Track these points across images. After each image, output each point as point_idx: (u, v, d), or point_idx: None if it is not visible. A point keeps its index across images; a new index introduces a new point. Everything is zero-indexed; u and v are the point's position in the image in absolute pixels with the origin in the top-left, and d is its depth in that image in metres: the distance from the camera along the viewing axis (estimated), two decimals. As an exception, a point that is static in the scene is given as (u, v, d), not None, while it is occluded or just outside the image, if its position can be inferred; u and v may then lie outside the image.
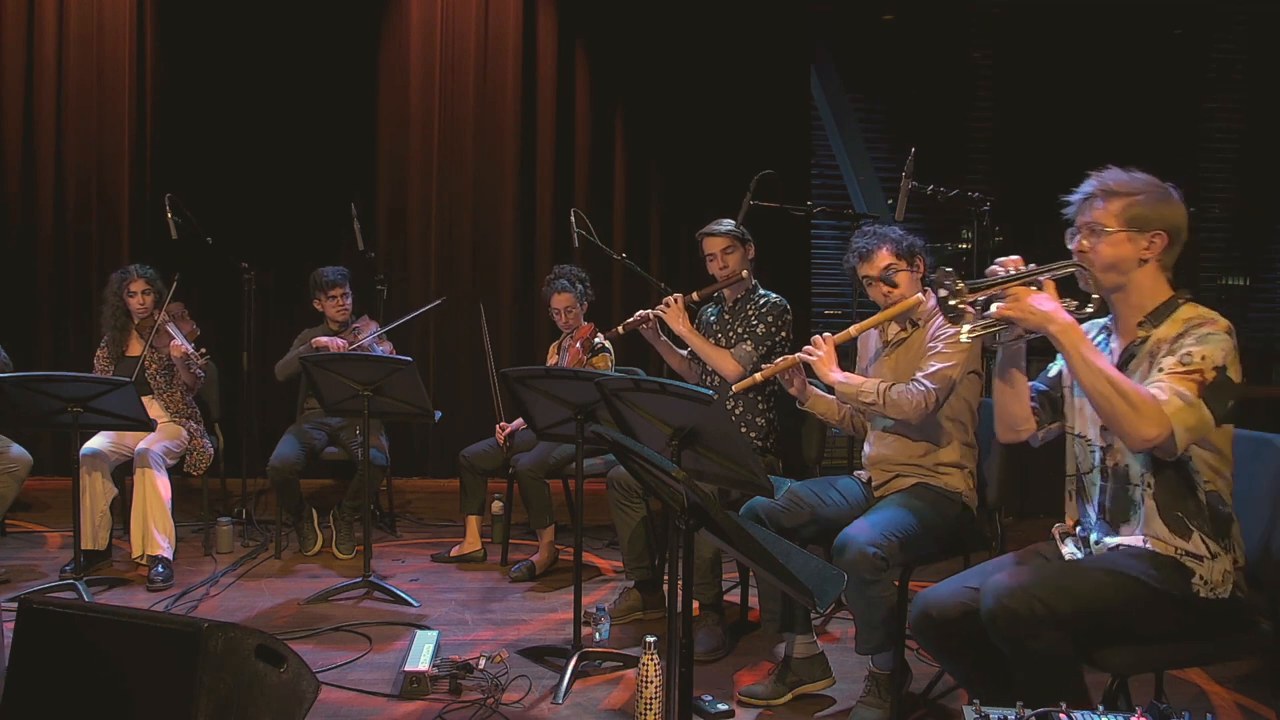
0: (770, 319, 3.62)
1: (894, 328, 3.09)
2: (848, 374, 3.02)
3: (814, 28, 6.38)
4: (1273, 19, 6.54)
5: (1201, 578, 2.09)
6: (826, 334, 3.01)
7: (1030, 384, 2.35)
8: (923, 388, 2.87)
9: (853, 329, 3.02)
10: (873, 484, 3.08)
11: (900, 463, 3.01)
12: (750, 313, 3.67)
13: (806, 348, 3.01)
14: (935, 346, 2.92)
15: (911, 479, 2.98)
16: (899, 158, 4.56)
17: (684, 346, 3.79)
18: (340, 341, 4.58)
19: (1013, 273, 2.14)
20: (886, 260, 3.00)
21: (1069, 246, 2.21)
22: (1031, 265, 2.16)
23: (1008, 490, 3.01)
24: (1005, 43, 6.58)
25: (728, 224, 3.73)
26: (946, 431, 2.96)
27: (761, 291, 3.73)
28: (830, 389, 3.09)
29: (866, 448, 3.14)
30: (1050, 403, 2.36)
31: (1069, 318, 2.08)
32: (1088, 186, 2.19)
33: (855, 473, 3.21)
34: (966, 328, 2.20)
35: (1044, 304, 2.09)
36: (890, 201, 5.63)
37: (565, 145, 6.20)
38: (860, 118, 6.58)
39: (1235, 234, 6.86)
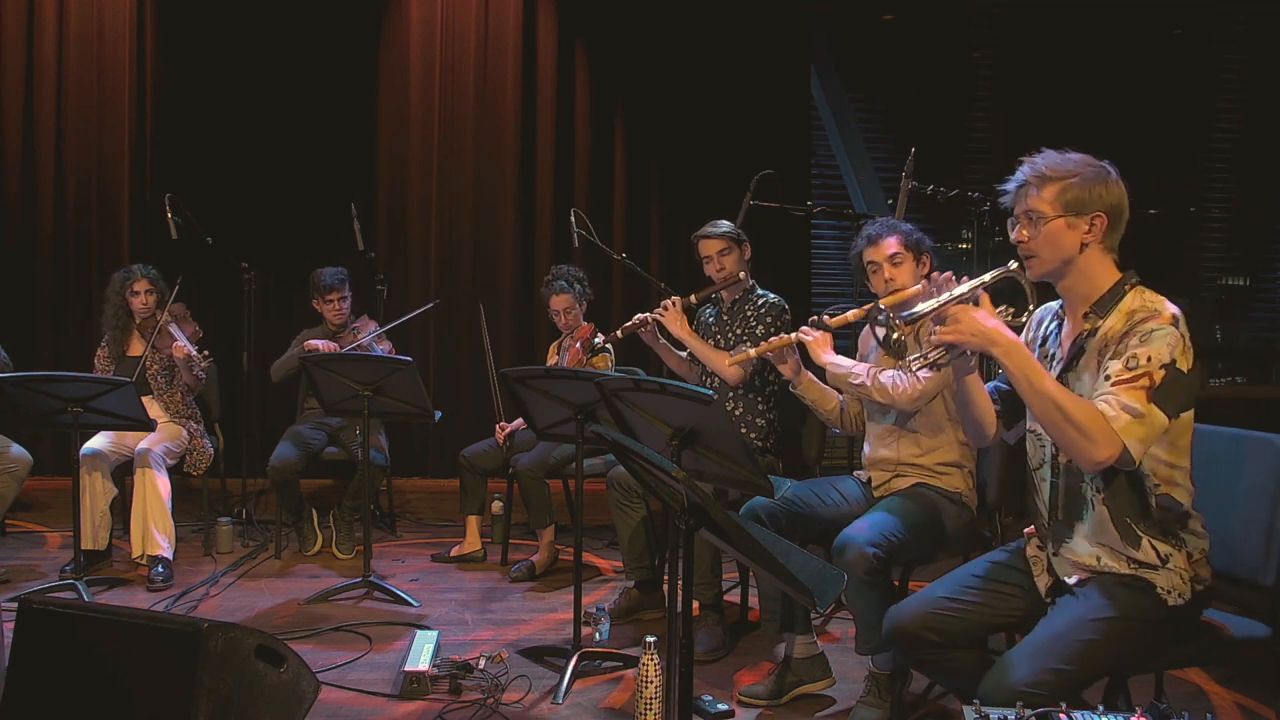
0: (769, 320, 3.62)
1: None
2: (841, 357, 3.04)
3: (814, 28, 6.39)
4: (1273, 19, 6.54)
5: (1163, 588, 2.05)
6: (825, 315, 3.04)
7: (990, 385, 2.31)
8: (913, 377, 2.87)
9: (850, 314, 3.03)
10: (872, 484, 3.08)
11: (900, 463, 3.01)
12: (749, 313, 3.67)
13: (803, 328, 3.05)
14: (931, 340, 2.93)
15: (911, 479, 2.98)
16: (899, 158, 4.56)
17: (683, 348, 3.79)
18: (331, 344, 4.58)
19: (948, 294, 2.09)
20: (893, 249, 3.01)
21: (1010, 237, 2.15)
22: (965, 278, 2.11)
23: (1007, 490, 3.01)
24: (1005, 42, 6.58)
25: (723, 225, 3.71)
26: (946, 432, 2.96)
27: (759, 291, 3.72)
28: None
29: (866, 448, 3.14)
30: (1013, 400, 2.28)
31: (1012, 337, 2.02)
32: (1021, 174, 2.13)
33: (855, 473, 3.21)
34: (914, 361, 2.17)
35: (985, 322, 2.02)
36: (890, 201, 5.63)
37: (565, 145, 6.20)
38: (860, 118, 6.58)
39: (1235, 234, 6.86)
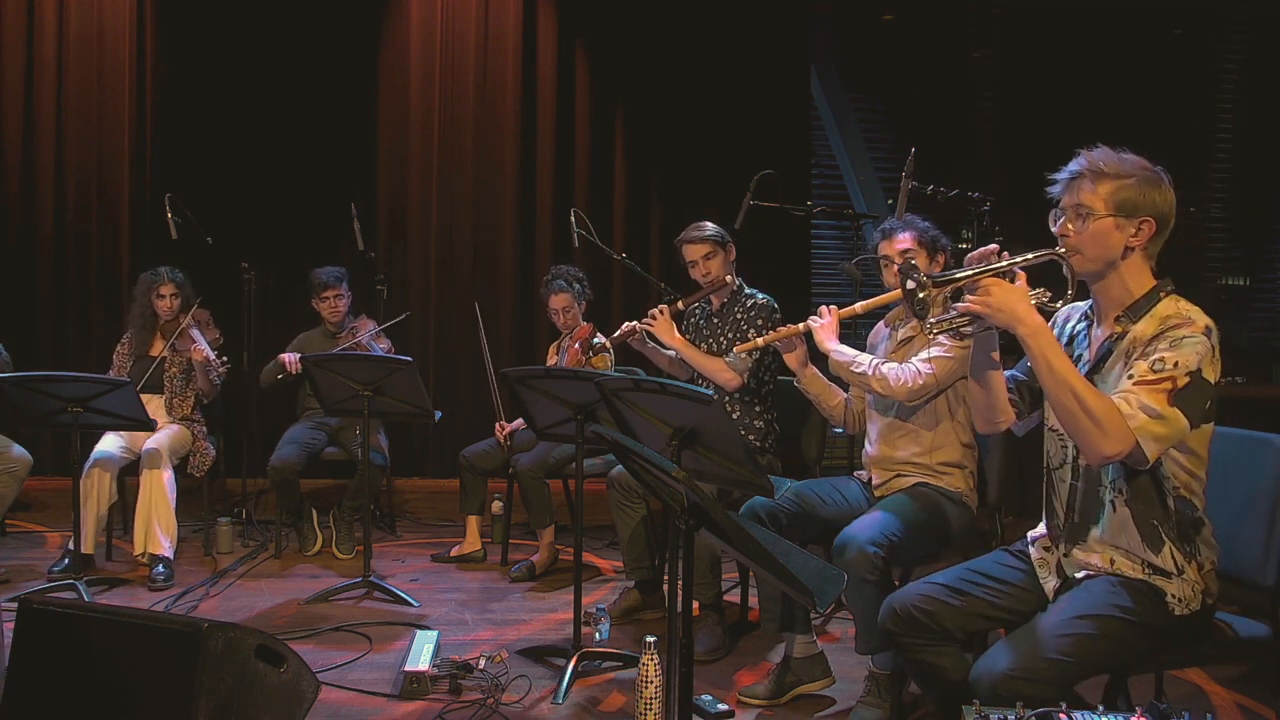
0: (760, 322, 3.59)
1: (904, 328, 3.10)
2: (845, 346, 3.04)
3: (814, 28, 6.39)
4: (1273, 19, 6.54)
5: (1174, 596, 2.05)
6: (832, 306, 3.05)
7: (1009, 373, 2.28)
8: (915, 369, 2.87)
9: (858, 305, 3.05)
10: (873, 484, 3.08)
11: (900, 462, 3.01)
12: (739, 315, 3.65)
13: (812, 316, 3.05)
14: (939, 338, 2.93)
15: (912, 479, 2.98)
16: (899, 158, 4.57)
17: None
18: (292, 356, 4.57)
19: (985, 265, 2.03)
20: (906, 245, 3.02)
21: (1053, 229, 2.10)
22: (1005, 254, 2.05)
23: (1008, 490, 3.01)
24: (1006, 42, 6.58)
25: (708, 229, 3.67)
26: (947, 431, 2.96)
27: (748, 291, 3.70)
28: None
29: (867, 447, 3.14)
30: (1030, 391, 2.27)
31: (1039, 319, 1.98)
32: (1075, 165, 2.09)
33: (855, 473, 3.21)
34: (931, 321, 2.10)
35: (1015, 301, 1.98)
36: (890, 201, 5.63)
37: (565, 145, 6.20)
38: (860, 118, 6.58)
39: (1235, 234, 6.86)
